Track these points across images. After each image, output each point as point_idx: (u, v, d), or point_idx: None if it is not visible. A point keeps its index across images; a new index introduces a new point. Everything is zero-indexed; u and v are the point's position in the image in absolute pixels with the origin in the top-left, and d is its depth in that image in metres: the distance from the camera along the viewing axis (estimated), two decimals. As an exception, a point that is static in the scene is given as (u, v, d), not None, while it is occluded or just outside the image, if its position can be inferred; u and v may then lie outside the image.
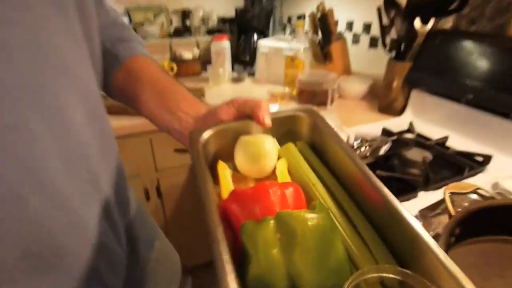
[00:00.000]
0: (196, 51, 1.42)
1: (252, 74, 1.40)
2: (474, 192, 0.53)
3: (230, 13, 1.61)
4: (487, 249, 0.40)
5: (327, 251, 0.25)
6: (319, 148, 0.37)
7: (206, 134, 0.35)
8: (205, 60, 1.46)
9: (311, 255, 0.24)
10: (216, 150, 0.37)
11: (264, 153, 0.34)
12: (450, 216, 0.43)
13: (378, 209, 0.28)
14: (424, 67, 0.84)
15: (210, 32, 1.57)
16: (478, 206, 0.40)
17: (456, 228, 0.37)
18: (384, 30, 0.92)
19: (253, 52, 1.42)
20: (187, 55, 1.39)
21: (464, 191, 0.44)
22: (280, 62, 1.20)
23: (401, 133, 0.81)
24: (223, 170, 0.35)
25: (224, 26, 1.57)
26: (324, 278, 0.25)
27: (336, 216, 0.30)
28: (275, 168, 0.35)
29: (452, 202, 0.45)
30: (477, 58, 0.74)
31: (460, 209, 0.44)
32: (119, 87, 0.45)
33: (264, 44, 1.27)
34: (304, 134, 0.39)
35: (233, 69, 1.43)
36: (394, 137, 0.79)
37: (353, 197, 0.31)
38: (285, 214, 0.25)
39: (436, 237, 0.27)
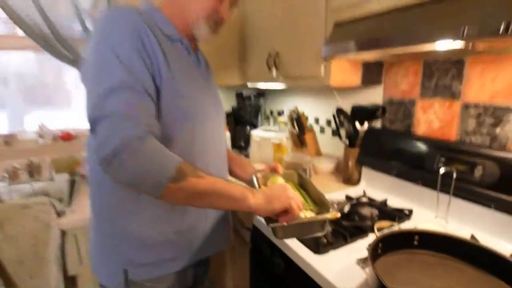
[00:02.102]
0: (202, 139, 1.82)
1: (247, 156, 1.80)
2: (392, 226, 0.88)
3: (227, 108, 2.08)
4: (400, 258, 0.73)
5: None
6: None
7: (257, 174, 0.87)
8: (208, 146, 1.85)
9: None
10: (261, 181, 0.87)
11: (277, 180, 0.86)
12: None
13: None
14: (367, 152, 1.27)
15: (212, 124, 2.01)
16: (388, 233, 0.75)
17: (379, 244, 0.70)
18: (338, 127, 1.38)
19: (246, 139, 1.85)
20: (195, 142, 1.78)
21: (386, 226, 0.77)
22: (269, 147, 1.62)
23: (358, 198, 1.18)
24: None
25: (222, 119, 2.03)
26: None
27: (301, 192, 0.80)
28: None
29: (380, 231, 0.79)
30: (396, 146, 1.17)
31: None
32: None
33: (256, 134, 1.70)
34: (295, 180, 0.89)
35: (231, 152, 1.82)
36: (354, 201, 1.15)
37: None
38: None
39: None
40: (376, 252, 0.71)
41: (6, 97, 1.58)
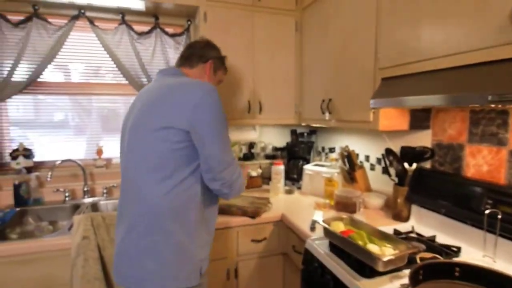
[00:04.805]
0: (259, 171, 2.05)
1: (299, 187, 1.96)
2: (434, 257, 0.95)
3: (281, 143, 2.31)
4: (440, 286, 0.82)
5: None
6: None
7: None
8: (264, 176, 2.07)
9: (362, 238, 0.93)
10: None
11: (339, 225, 1.09)
12: (424, 272, 0.86)
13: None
14: (416, 191, 1.35)
15: (268, 157, 2.24)
16: (430, 261, 0.84)
17: (420, 271, 0.81)
18: (387, 166, 1.49)
19: (299, 172, 2.02)
20: (254, 173, 2.01)
21: (428, 257, 0.87)
22: (320, 181, 1.77)
23: (406, 232, 1.26)
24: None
25: (277, 153, 2.25)
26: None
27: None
28: None
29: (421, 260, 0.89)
30: (445, 186, 1.24)
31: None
32: None
33: (309, 168, 1.87)
34: (349, 223, 1.01)
35: (285, 183, 2.01)
36: (402, 235, 1.24)
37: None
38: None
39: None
40: (417, 277, 0.81)
41: (89, 125, 2.01)
